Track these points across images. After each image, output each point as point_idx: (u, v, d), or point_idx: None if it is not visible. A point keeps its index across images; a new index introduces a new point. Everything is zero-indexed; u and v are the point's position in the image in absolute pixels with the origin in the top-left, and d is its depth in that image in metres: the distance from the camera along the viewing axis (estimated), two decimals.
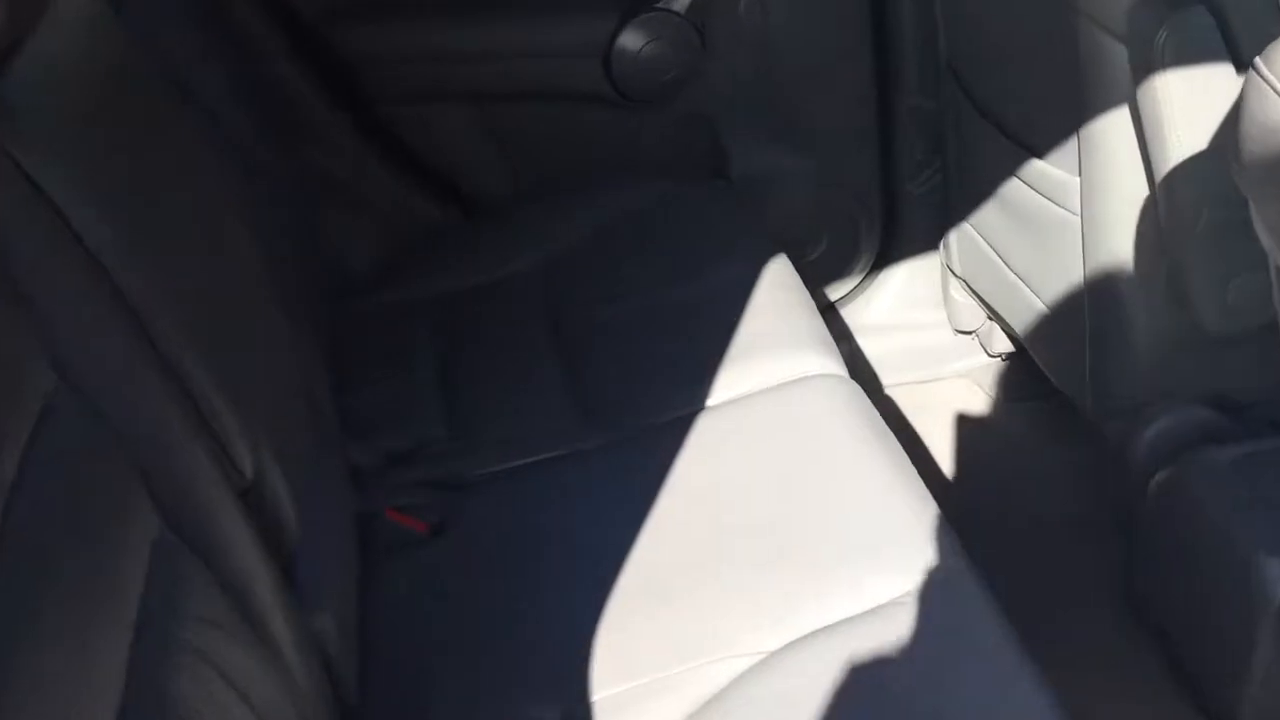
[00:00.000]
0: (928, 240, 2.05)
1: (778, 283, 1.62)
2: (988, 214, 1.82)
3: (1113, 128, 1.41)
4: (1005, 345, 2.02)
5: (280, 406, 1.13)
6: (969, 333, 2.08)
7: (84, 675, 0.70)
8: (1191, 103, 1.33)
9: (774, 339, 1.51)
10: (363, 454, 1.47)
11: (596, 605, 1.23)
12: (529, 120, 1.94)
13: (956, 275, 2.00)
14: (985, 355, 2.08)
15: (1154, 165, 1.38)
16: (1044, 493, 1.88)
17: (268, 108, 1.75)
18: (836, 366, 1.47)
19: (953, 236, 1.97)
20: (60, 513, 0.76)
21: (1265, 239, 1.02)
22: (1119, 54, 1.37)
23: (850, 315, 2.12)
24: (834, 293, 2.11)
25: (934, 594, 1.16)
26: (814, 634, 1.15)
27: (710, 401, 1.45)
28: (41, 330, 0.81)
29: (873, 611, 1.16)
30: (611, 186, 1.89)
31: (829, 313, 2.09)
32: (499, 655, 1.21)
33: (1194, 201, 1.39)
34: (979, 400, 2.07)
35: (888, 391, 2.10)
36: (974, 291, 1.98)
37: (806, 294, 1.61)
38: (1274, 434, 1.47)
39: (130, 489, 0.84)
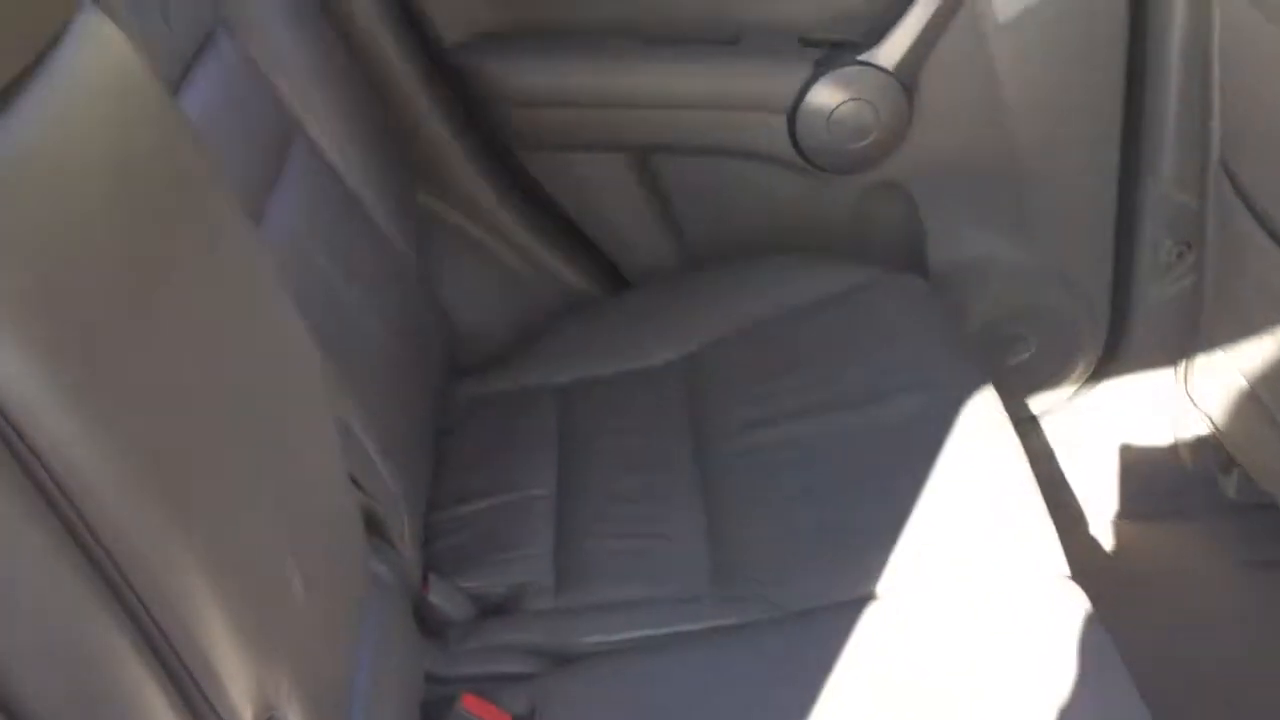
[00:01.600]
0: (1162, 355, 1.69)
1: (981, 424, 1.29)
2: (1254, 348, 1.45)
3: None
4: (1251, 494, 1.65)
5: (312, 584, 0.86)
6: (1204, 472, 1.71)
7: None
8: None
9: (973, 511, 1.19)
10: (448, 600, 1.21)
11: None
12: (693, 178, 1.64)
13: (1196, 405, 1.63)
14: (1222, 501, 1.70)
15: None
16: None
17: (390, 149, 1.50)
18: (1057, 561, 1.14)
19: (1199, 360, 1.60)
20: None
21: None
22: None
23: (1057, 433, 1.78)
24: (1039, 404, 1.76)
25: None
26: None
27: (880, 587, 1.14)
28: None
29: None
30: (785, 266, 1.59)
31: (1030, 425, 1.76)
32: None
33: None
34: (1210, 555, 1.70)
35: (1092, 532, 1.75)
36: (1216, 427, 1.61)
37: (1018, 446, 1.27)
38: None
39: None
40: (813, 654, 1.09)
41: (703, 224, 1.67)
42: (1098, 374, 1.75)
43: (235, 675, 0.71)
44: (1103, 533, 1.74)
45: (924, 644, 1.08)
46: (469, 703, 1.08)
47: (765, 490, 1.26)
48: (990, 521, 1.17)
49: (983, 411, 1.30)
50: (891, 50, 1.50)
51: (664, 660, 1.13)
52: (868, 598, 1.13)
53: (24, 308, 0.64)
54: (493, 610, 1.22)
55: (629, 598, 1.19)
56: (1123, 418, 1.76)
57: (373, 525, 1.13)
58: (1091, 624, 1.08)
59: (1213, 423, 1.61)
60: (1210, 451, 1.67)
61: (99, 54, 0.82)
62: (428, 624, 1.19)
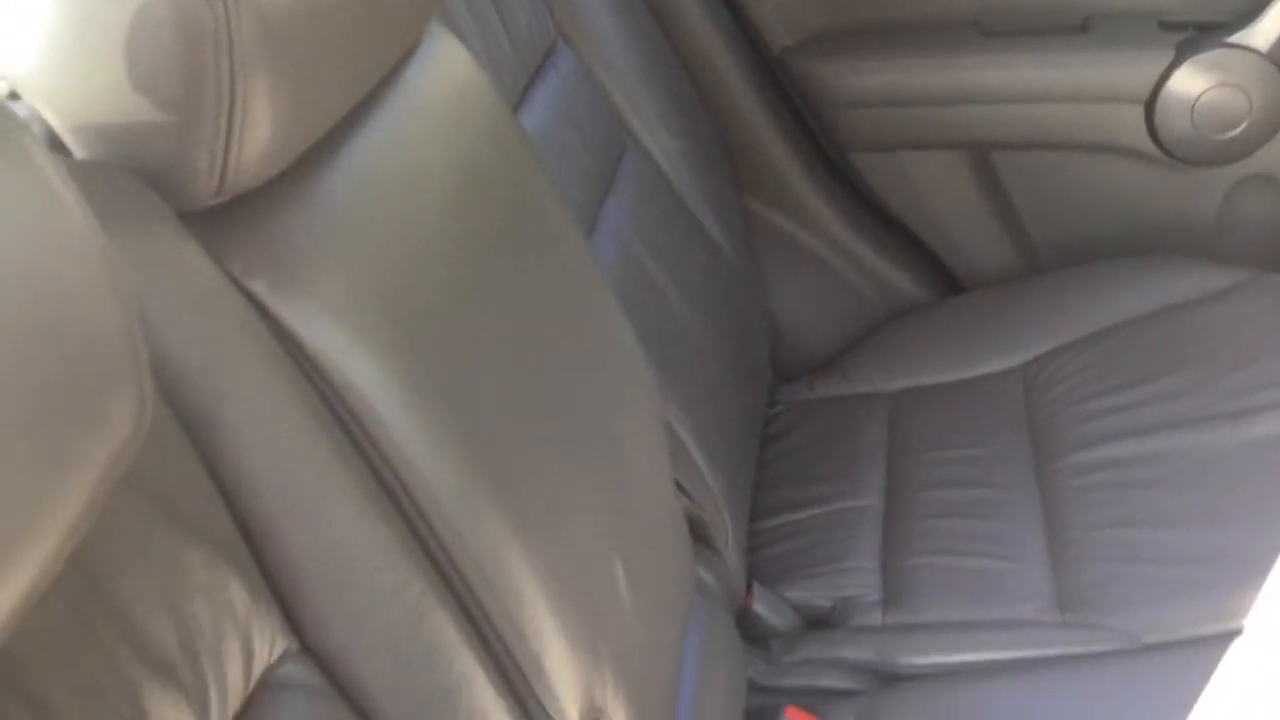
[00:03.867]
0: None
1: None
2: None
3: None
4: None
5: (639, 588, 0.86)
6: None
7: None
8: None
9: None
10: (772, 610, 1.19)
11: None
12: (1037, 175, 1.55)
13: None
14: None
15: None
16: None
17: (716, 155, 1.50)
18: None
19: None
20: None
21: None
22: None
23: None
24: None
25: None
26: None
27: (1248, 621, 1.03)
28: (273, 569, 0.59)
29: None
30: (1140, 269, 1.47)
31: None
32: None
33: None
34: None
35: None
36: None
37: None
38: None
39: None
40: (1168, 690, 0.99)
41: (1046, 224, 1.57)
42: None
43: (563, 673, 0.72)
44: None
45: None
46: (792, 715, 1.05)
47: (1114, 511, 1.16)
48: None
49: None
50: (1267, 30, 1.36)
51: (1002, 686, 1.07)
52: (1234, 633, 1.02)
53: (369, 310, 0.67)
54: (817, 623, 1.19)
55: (963, 619, 1.13)
56: None
57: (697, 531, 1.13)
58: None
59: None
60: None
61: (446, 72, 0.85)
62: (750, 633, 1.18)
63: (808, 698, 1.09)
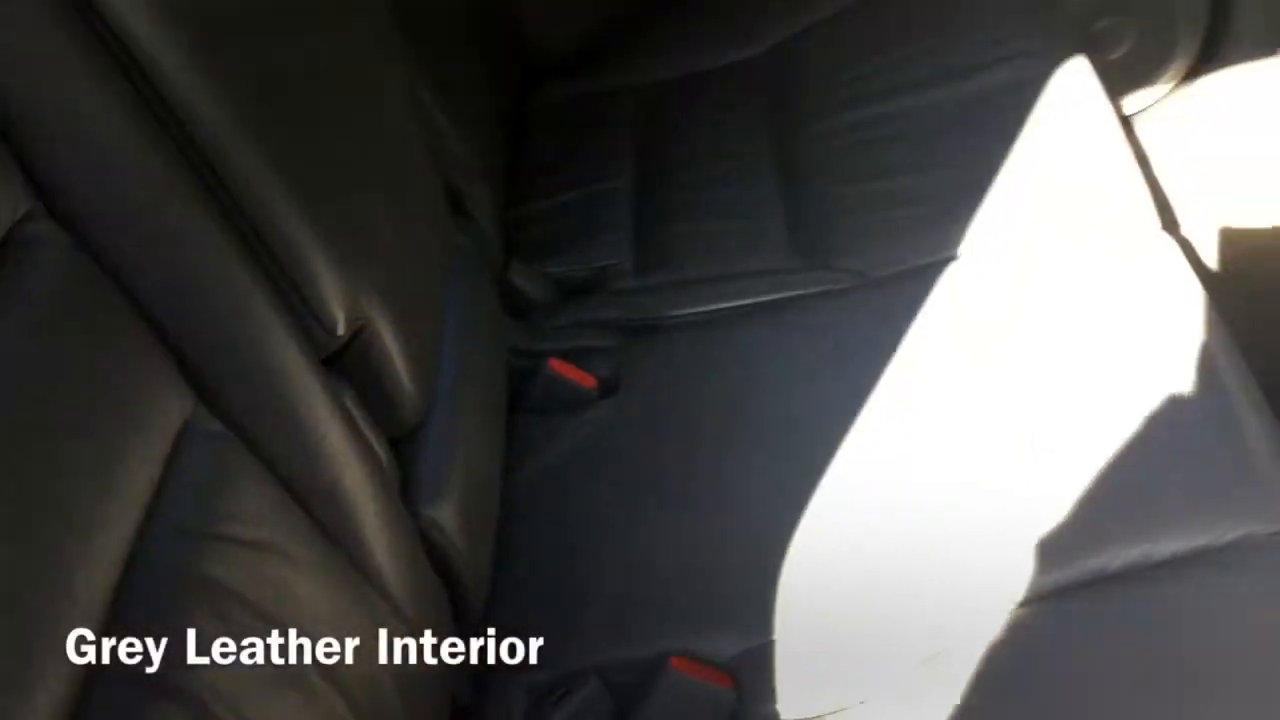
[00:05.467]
0: (1269, 43, 1.60)
1: (1073, 89, 1.24)
2: None
3: None
4: None
5: (399, 231, 0.87)
6: None
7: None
8: None
9: (1061, 170, 1.16)
10: (531, 282, 1.23)
11: (800, 502, 0.96)
12: None
13: None
14: None
15: None
16: None
17: None
18: (1148, 217, 1.11)
19: None
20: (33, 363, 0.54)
21: None
22: None
23: (1152, 135, 1.71)
24: (1133, 104, 1.69)
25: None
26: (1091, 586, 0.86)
27: (963, 249, 1.13)
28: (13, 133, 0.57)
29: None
30: None
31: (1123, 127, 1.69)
32: (668, 560, 0.96)
33: None
34: None
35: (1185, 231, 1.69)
36: None
37: (1110, 109, 1.23)
38: None
39: (142, 352, 0.61)
40: (896, 311, 1.09)
41: None
42: (1197, 70, 1.67)
43: (326, 279, 0.73)
44: (1202, 239, 1.69)
45: (1009, 297, 1.07)
46: (555, 365, 1.10)
47: (849, 166, 1.24)
48: (1080, 177, 1.15)
49: (1076, 78, 1.25)
50: None
51: (744, 328, 1.14)
52: (950, 258, 1.12)
53: None
54: (576, 292, 1.24)
55: (709, 274, 1.20)
56: (1223, 116, 1.69)
57: (452, 199, 1.14)
58: (1183, 272, 1.05)
59: None
60: None
61: None
62: (513, 308, 1.21)
63: (568, 356, 1.14)
